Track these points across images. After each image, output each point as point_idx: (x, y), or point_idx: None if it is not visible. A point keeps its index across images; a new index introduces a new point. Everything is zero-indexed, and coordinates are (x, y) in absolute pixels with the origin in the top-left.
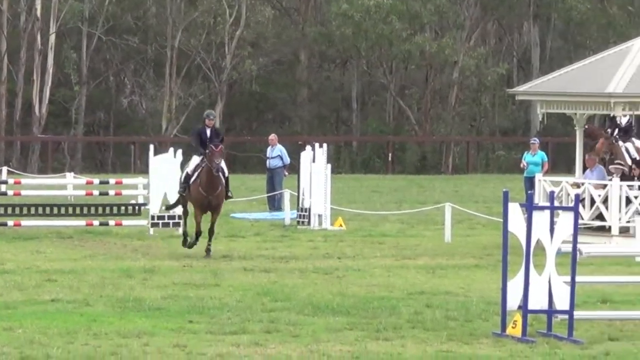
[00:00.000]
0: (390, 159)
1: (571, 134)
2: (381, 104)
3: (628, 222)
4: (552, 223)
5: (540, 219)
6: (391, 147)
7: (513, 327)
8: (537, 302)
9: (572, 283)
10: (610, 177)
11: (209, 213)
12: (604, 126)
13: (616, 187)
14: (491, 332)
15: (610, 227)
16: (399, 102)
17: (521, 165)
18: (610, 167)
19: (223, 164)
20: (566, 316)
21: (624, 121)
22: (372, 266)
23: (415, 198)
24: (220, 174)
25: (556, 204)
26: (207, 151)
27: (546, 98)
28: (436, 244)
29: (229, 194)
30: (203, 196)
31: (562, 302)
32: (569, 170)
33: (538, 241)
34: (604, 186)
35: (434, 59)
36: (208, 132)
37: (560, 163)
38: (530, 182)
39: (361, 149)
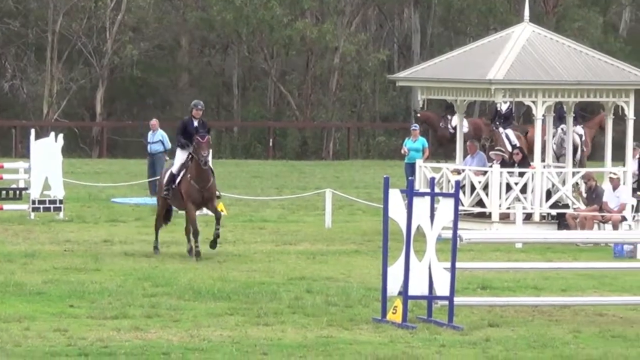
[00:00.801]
0: (271, 144)
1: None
2: (262, 89)
3: (508, 208)
4: (433, 209)
5: (421, 205)
6: (272, 132)
7: (393, 313)
8: (418, 288)
9: (452, 269)
10: (490, 164)
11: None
12: (449, 111)
13: (496, 173)
14: (371, 317)
15: (490, 213)
16: (279, 88)
17: (402, 152)
18: (491, 153)
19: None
20: (446, 302)
21: (504, 108)
22: (253, 251)
23: (296, 184)
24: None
25: (437, 190)
26: (193, 143)
27: (427, 84)
28: (317, 229)
29: (217, 193)
30: (196, 189)
31: (442, 288)
32: (449, 155)
33: (418, 227)
34: (485, 173)
35: (314, 44)
36: (195, 123)
37: (441, 149)
38: (411, 168)
39: (242, 135)
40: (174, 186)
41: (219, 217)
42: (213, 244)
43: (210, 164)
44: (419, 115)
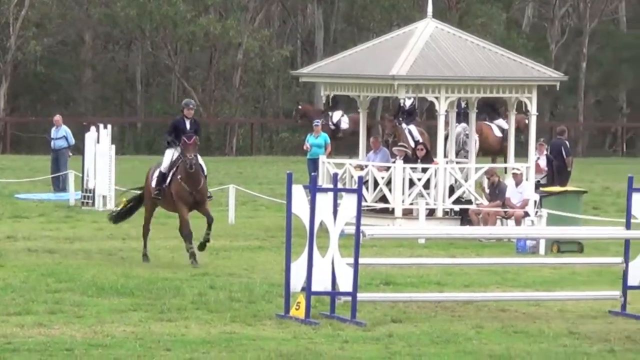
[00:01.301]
0: None
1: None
2: (166, 85)
3: (411, 204)
4: (336, 205)
5: (324, 201)
6: None
7: (296, 309)
8: (321, 283)
9: (355, 265)
10: (393, 160)
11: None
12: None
13: (399, 169)
14: (275, 313)
15: (393, 209)
16: (183, 84)
17: (304, 147)
18: (394, 149)
19: (201, 161)
20: (349, 298)
21: (407, 104)
22: (157, 247)
23: None
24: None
25: (340, 186)
26: (180, 144)
27: (330, 80)
28: (220, 225)
29: (208, 194)
30: (187, 191)
31: (345, 283)
32: (352, 151)
33: (321, 223)
34: (388, 168)
35: (218, 40)
36: (187, 123)
37: (344, 145)
38: (313, 164)
39: (145, 130)
40: (164, 186)
41: (210, 221)
42: (202, 247)
43: (201, 162)
44: (300, 106)
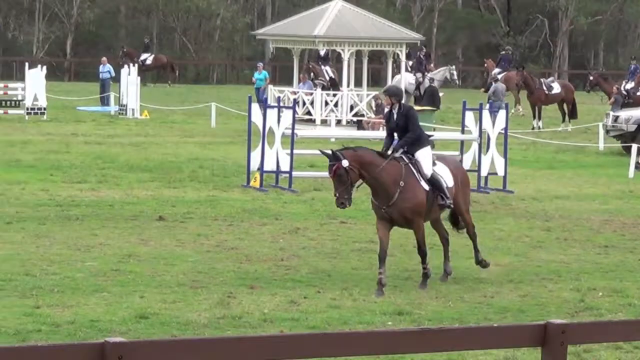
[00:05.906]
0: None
1: (291, 60)
2: (170, 40)
3: (326, 116)
4: (279, 117)
5: (271, 114)
6: None
7: (254, 181)
8: (269, 165)
9: (291, 154)
10: (315, 88)
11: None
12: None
13: (319, 94)
14: (241, 184)
15: (315, 119)
16: (182, 39)
17: (252, 80)
18: (315, 81)
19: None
20: (287, 175)
21: (323, 53)
22: (166, 142)
23: (194, 99)
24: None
25: (281, 104)
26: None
27: (275, 38)
28: (206, 128)
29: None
30: (375, 205)
31: (285, 165)
32: (289, 83)
33: (270, 128)
34: (311, 93)
35: (205, 11)
36: (394, 114)
37: (284, 79)
38: (258, 92)
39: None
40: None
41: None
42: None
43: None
44: (125, 50)
